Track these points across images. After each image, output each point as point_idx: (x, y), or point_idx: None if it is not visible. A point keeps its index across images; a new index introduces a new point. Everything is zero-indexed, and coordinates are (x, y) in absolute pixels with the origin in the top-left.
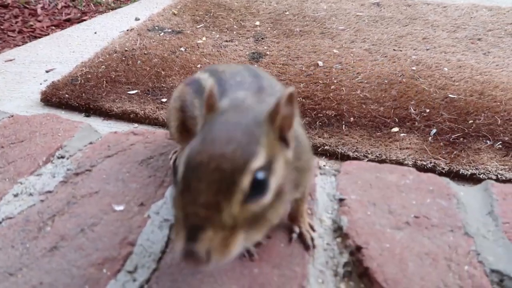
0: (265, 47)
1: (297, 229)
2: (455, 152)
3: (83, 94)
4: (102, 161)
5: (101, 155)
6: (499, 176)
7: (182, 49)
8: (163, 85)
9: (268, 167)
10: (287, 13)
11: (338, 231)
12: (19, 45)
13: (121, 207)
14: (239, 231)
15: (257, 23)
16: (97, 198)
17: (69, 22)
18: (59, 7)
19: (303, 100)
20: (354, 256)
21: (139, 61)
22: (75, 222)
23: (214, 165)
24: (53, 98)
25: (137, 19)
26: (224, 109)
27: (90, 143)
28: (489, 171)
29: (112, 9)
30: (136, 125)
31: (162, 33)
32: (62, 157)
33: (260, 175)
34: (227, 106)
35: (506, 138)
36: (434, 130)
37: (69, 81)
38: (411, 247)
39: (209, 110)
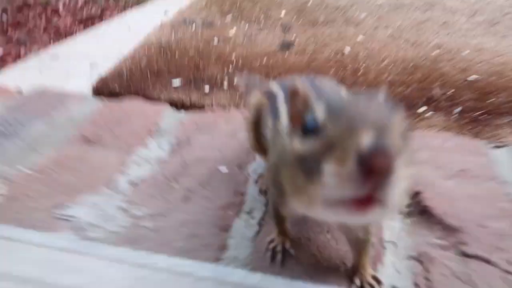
0: (293, 36)
1: (357, 281)
2: (478, 127)
3: (131, 86)
4: (196, 135)
5: (193, 130)
6: None
7: (215, 40)
8: (203, 76)
9: None
10: (310, 3)
11: None
12: (47, 43)
13: (225, 169)
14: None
15: (283, 13)
16: (204, 163)
17: (91, 19)
18: (79, 4)
19: None
20: (414, 199)
21: (177, 54)
22: (195, 180)
23: (373, 105)
24: (104, 91)
25: (166, 13)
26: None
27: (180, 121)
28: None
29: (132, 4)
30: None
31: (194, 26)
32: (161, 133)
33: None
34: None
35: None
36: (458, 109)
37: (116, 75)
38: (458, 192)
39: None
